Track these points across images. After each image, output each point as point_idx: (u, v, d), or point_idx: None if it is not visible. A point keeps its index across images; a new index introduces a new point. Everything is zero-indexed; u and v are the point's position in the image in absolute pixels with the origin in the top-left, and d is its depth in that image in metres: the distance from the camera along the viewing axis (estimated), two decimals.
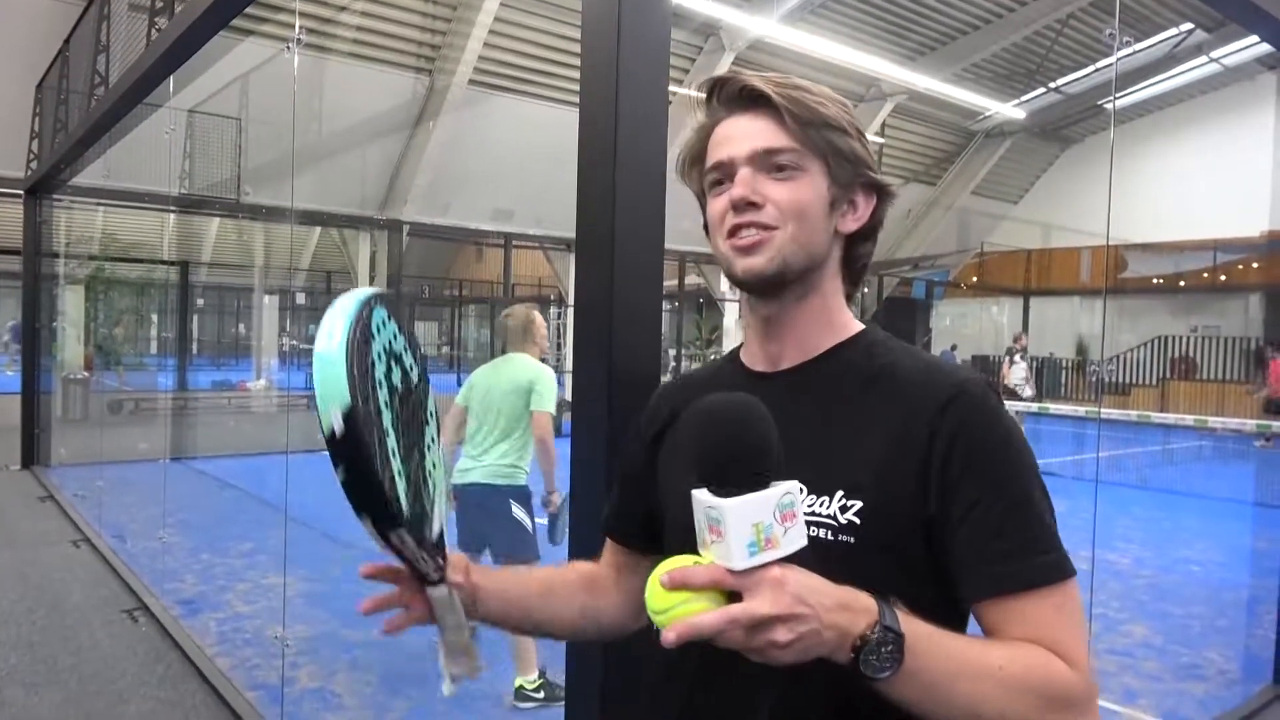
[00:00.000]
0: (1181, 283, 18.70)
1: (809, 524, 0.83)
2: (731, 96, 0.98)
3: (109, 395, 13.57)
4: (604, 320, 1.50)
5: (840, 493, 0.88)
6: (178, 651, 4.12)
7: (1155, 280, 18.82)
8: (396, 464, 0.77)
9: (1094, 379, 18.24)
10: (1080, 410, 13.13)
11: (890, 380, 0.93)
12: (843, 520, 0.87)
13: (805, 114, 0.94)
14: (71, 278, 12.17)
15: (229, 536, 6.37)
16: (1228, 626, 5.01)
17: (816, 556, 0.79)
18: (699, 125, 1.01)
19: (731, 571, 0.73)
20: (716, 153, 0.98)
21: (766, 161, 0.95)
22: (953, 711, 0.80)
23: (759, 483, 0.75)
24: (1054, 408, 13.27)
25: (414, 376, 0.85)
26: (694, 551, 0.78)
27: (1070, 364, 19.70)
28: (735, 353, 1.09)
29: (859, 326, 1.02)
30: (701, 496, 0.76)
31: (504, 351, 4.01)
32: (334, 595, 5.10)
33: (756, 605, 0.72)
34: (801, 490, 0.83)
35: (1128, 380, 18.60)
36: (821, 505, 0.88)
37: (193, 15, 4.19)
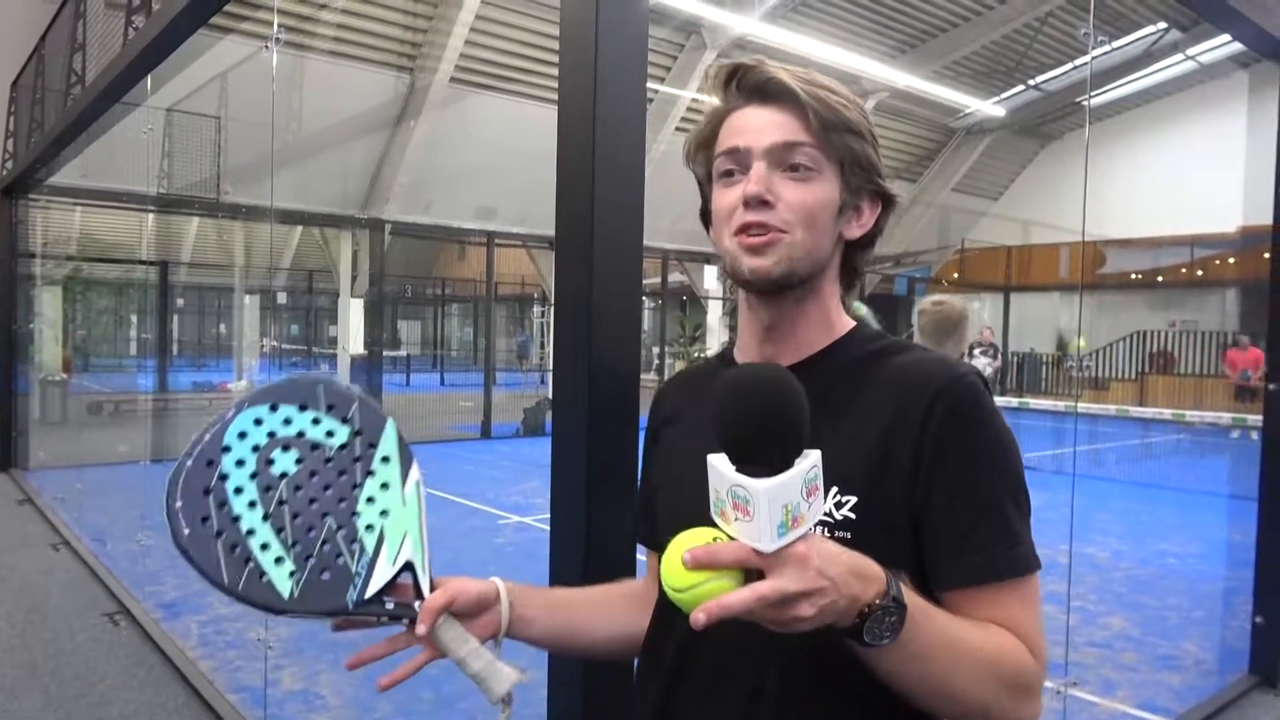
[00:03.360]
0: (1159, 278, 18.89)
1: None
2: (754, 86, 0.94)
3: (88, 397, 13.45)
4: (584, 318, 1.51)
5: (835, 490, 0.89)
6: (159, 654, 4.10)
7: (1133, 275, 19.00)
8: (268, 556, 0.85)
9: (1072, 373, 18.40)
10: (1060, 405, 13.23)
11: (884, 374, 0.94)
12: (838, 516, 0.88)
13: (830, 115, 0.91)
14: (49, 278, 12.05)
15: None
16: (1204, 618, 5.08)
17: None
18: (712, 110, 0.98)
19: (758, 552, 0.72)
20: (731, 139, 0.94)
21: (783, 157, 0.92)
22: (929, 683, 0.82)
23: (789, 461, 0.73)
24: (1034, 402, 13.37)
25: (333, 442, 0.89)
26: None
27: (1050, 359, 19.87)
28: (729, 353, 1.08)
29: (851, 324, 1.02)
30: (726, 471, 0.74)
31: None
32: None
33: (785, 583, 0.72)
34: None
35: (1107, 375, 18.78)
36: None
37: (170, 13, 4.16)
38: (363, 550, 0.88)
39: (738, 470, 0.73)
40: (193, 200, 12.72)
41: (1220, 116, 17.60)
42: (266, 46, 3.83)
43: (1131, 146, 19.15)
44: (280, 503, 0.86)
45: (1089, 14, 15.85)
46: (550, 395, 1.62)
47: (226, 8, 4.19)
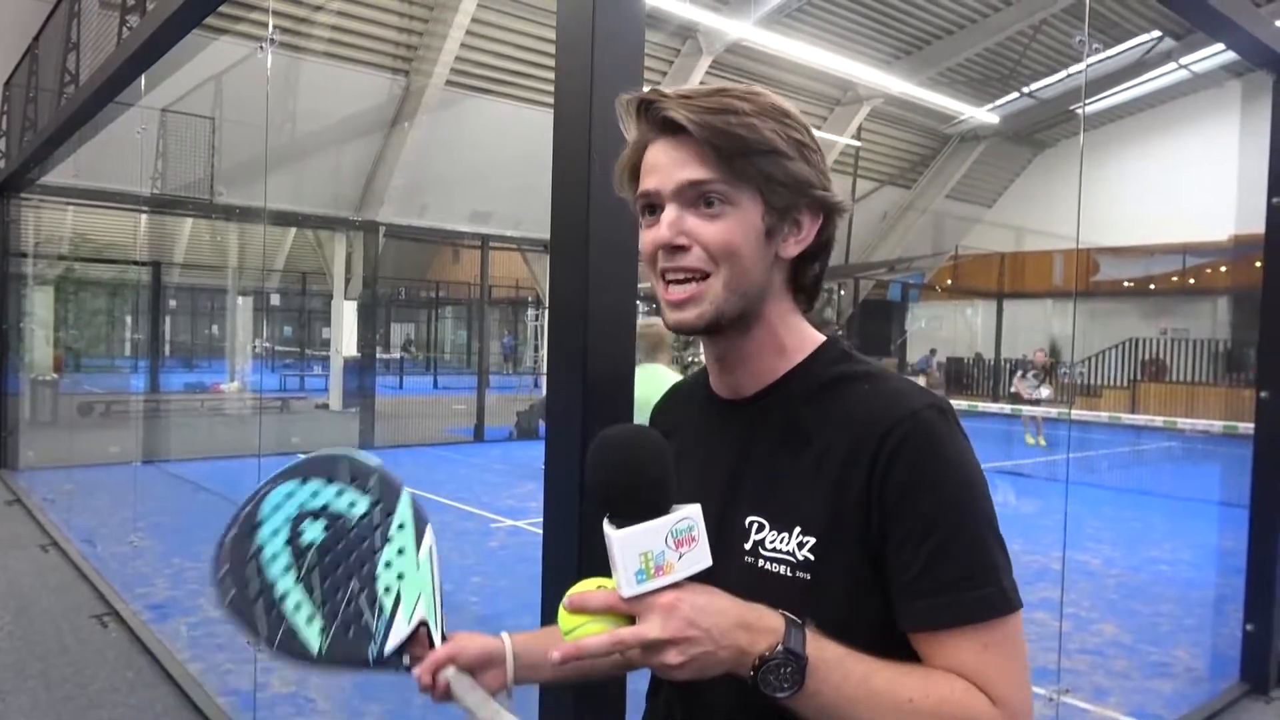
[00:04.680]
0: (1151, 286, 18.97)
1: (772, 561, 0.87)
2: (655, 121, 0.91)
3: (79, 397, 13.39)
4: (578, 322, 1.50)
5: (798, 529, 0.87)
6: (148, 657, 4.07)
7: (1126, 283, 19.08)
8: (301, 616, 0.94)
9: (1064, 380, 18.45)
10: (1052, 411, 13.28)
11: (843, 405, 0.90)
12: (800, 557, 0.86)
13: (731, 145, 0.86)
14: (40, 278, 12.00)
15: (201, 540, 6.29)
16: (1195, 625, 5.09)
17: (779, 593, 0.83)
18: (634, 140, 0.95)
19: (623, 598, 0.77)
20: (646, 179, 0.93)
21: (693, 194, 0.89)
22: None
23: (654, 512, 0.78)
24: (1026, 409, 13.43)
25: (355, 512, 0.98)
26: None
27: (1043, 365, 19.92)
28: (707, 374, 1.05)
29: (816, 343, 0.98)
30: (604, 527, 0.79)
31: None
32: None
33: (645, 629, 0.76)
34: (755, 532, 0.88)
35: (1099, 382, 18.83)
36: (782, 542, 0.88)
37: (165, 13, 4.15)
38: (381, 611, 0.96)
39: (609, 522, 0.79)
40: (186, 201, 12.68)
41: (1213, 125, 17.71)
42: (261, 48, 3.82)
43: (1125, 154, 19.24)
44: (311, 569, 0.96)
45: (1083, 22, 15.94)
46: (544, 398, 1.62)
47: (221, 9, 4.19)
